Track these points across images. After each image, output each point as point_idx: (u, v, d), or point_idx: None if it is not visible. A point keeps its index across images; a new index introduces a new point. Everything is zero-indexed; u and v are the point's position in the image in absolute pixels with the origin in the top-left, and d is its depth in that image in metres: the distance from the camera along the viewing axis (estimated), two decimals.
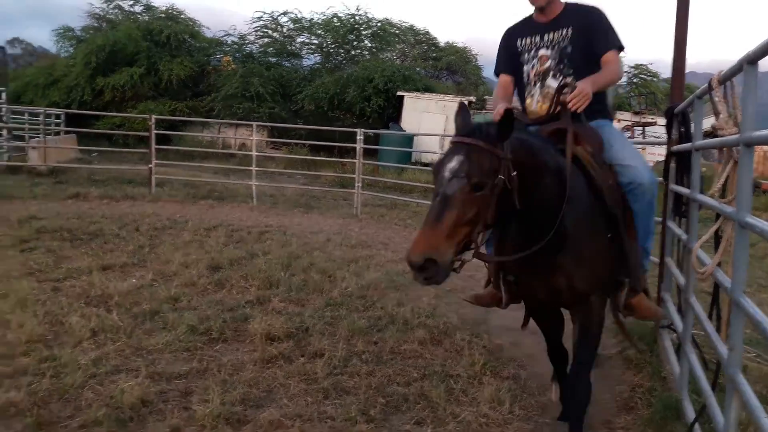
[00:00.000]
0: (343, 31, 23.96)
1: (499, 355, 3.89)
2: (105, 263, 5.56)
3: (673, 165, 4.01)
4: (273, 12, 24.34)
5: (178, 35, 22.62)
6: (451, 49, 27.34)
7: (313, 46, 24.66)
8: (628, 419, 3.12)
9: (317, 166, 14.10)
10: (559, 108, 2.74)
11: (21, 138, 14.08)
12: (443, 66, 26.84)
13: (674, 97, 4.31)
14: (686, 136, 3.75)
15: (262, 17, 24.09)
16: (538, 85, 3.04)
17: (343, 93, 20.75)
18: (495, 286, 2.92)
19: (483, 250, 2.69)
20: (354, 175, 10.53)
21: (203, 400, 3.08)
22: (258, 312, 4.46)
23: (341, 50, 24.64)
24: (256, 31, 24.09)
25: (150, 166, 11.04)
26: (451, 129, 3.73)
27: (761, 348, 3.99)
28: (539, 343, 3.41)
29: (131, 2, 24.59)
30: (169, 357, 3.64)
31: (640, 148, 12.57)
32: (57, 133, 15.70)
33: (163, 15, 24.05)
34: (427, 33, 27.59)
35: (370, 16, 24.42)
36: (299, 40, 24.70)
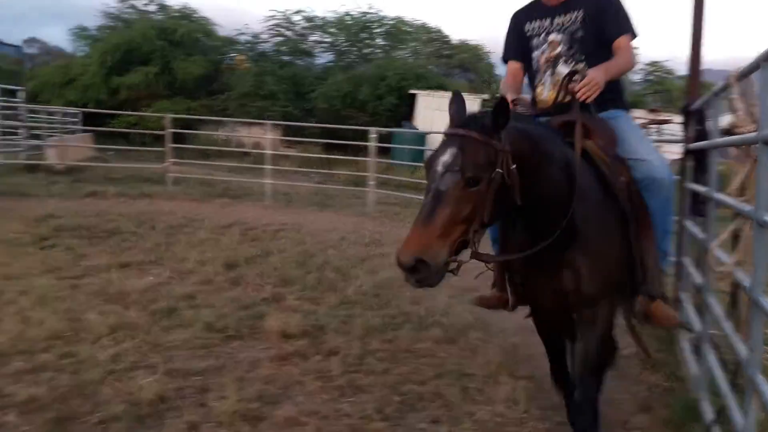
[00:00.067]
0: (355, 30, 23.98)
1: (514, 355, 3.88)
2: (122, 261, 5.63)
3: (690, 163, 3.98)
4: (286, 11, 24.38)
5: (191, 34, 22.74)
6: (464, 46, 27.24)
7: (326, 45, 24.71)
8: (645, 419, 3.11)
9: (331, 165, 14.13)
10: (567, 97, 2.60)
11: (38, 137, 14.26)
12: (456, 64, 26.76)
13: (691, 94, 4.27)
14: (703, 134, 3.72)
15: (275, 16, 24.18)
16: (549, 72, 2.87)
17: (356, 91, 20.77)
18: (501, 287, 2.76)
19: (490, 250, 2.62)
20: (367, 174, 10.56)
21: (220, 397, 3.12)
22: (273, 310, 4.49)
23: (354, 49, 24.66)
24: (270, 29, 24.18)
25: (166, 164, 11.13)
26: None
27: None
28: None
29: (146, 1, 24.77)
30: (186, 354, 3.68)
31: (655, 145, 12.48)
32: (73, 132, 15.87)
33: (177, 14, 24.19)
34: (439, 31, 27.52)
35: (382, 14, 24.43)
36: (312, 38, 24.77)
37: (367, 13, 24.13)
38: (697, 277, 3.45)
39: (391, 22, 24.55)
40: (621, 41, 2.74)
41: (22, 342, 3.64)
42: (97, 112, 16.36)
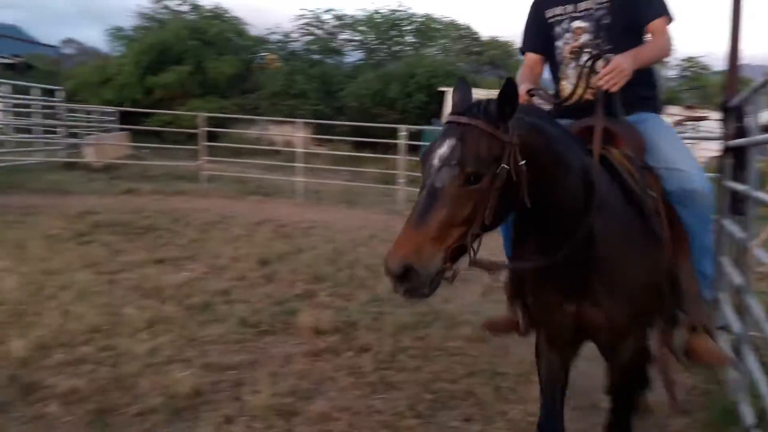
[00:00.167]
0: (385, 27, 24.00)
1: None
2: (158, 257, 5.74)
3: (728, 161, 3.90)
4: (316, 9, 24.56)
5: (223, 33, 23.03)
6: (494, 43, 27.04)
7: (355, 43, 24.79)
8: (683, 423, 3.05)
9: (361, 163, 14.18)
10: (587, 91, 2.30)
11: (76, 135, 14.62)
12: (486, 60, 26.58)
13: (729, 90, 4.18)
14: (742, 131, 3.63)
15: (305, 15, 24.35)
16: (573, 64, 2.54)
17: (385, 89, 20.79)
18: (511, 308, 2.49)
19: (504, 259, 2.34)
20: (397, 172, 10.57)
21: (254, 391, 3.16)
22: (306, 306, 4.54)
23: (383, 46, 24.68)
24: (300, 28, 24.36)
25: (199, 162, 11.31)
26: None
27: None
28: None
29: (179, 2, 25.16)
30: (220, 348, 3.75)
31: (692, 143, 12.22)
32: (110, 131, 16.23)
33: (210, 14, 24.52)
34: (468, 27, 27.37)
35: (411, 11, 24.41)
36: (342, 37, 24.88)
37: (397, 10, 24.14)
38: (736, 277, 3.38)
39: (420, 19, 24.51)
40: (655, 25, 2.42)
41: (62, 335, 3.74)
42: (133, 111, 16.70)
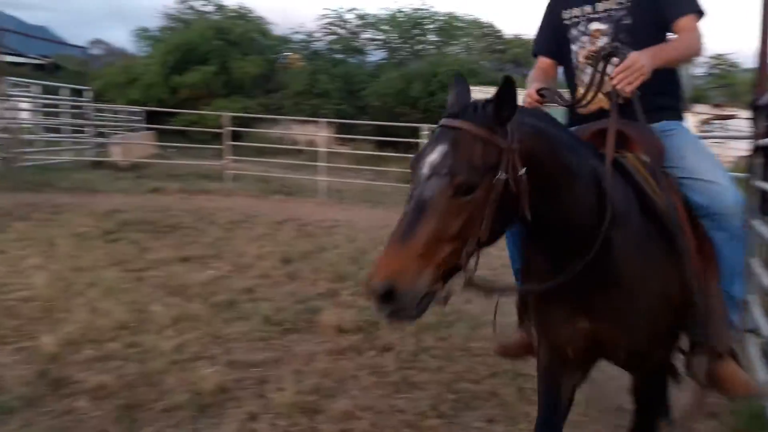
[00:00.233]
0: (407, 26, 24.00)
1: None
2: (184, 255, 5.82)
3: (758, 160, 3.83)
4: (339, 9, 24.64)
5: (247, 33, 23.22)
6: (517, 41, 26.85)
7: (378, 42, 24.83)
8: (711, 426, 3.01)
9: (383, 162, 14.19)
10: (595, 92, 2.06)
11: (103, 135, 14.87)
12: (509, 59, 26.41)
13: (759, 88, 4.10)
14: None
15: (328, 14, 24.45)
16: (589, 69, 2.26)
17: (408, 88, 20.78)
18: (523, 329, 2.33)
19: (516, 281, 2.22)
20: None
21: (278, 389, 3.19)
22: (328, 304, 4.56)
23: (406, 45, 24.68)
24: (323, 28, 24.47)
25: (224, 161, 11.43)
26: None
27: None
28: None
29: (204, 2, 25.43)
30: (245, 346, 3.79)
31: (720, 141, 12.01)
32: (136, 130, 16.48)
33: (234, 14, 24.74)
34: (491, 25, 27.23)
35: (434, 10, 24.37)
36: (365, 36, 24.93)
37: (419, 9, 24.13)
38: (765, 279, 3.32)
39: (442, 17, 24.46)
40: (683, 23, 2.17)
41: (91, 331, 3.81)
42: (159, 110, 16.93)
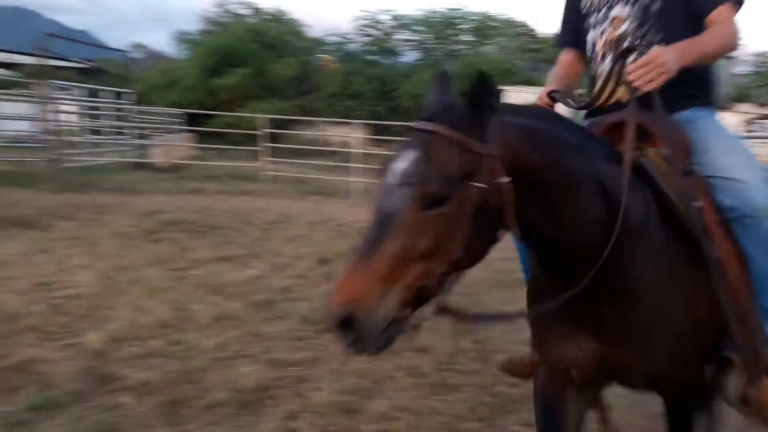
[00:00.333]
0: (441, 27, 23.97)
1: None
2: (223, 254, 5.92)
3: None
4: (374, 11, 24.82)
5: (281, 35, 23.49)
6: (552, 40, 26.54)
7: (413, 43, 24.86)
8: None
9: None
10: (611, 90, 1.89)
11: (144, 137, 15.23)
12: (544, 58, 26.13)
13: None
14: None
15: (363, 16, 24.60)
16: (609, 58, 2.08)
17: None
18: (533, 347, 2.08)
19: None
20: None
21: (316, 388, 3.23)
22: None
23: (440, 46, 24.65)
24: (358, 30, 24.63)
25: (261, 163, 11.58)
26: None
27: None
28: None
29: (241, 5, 25.83)
30: (284, 345, 3.84)
31: (764, 142, 11.66)
32: (175, 132, 16.83)
33: (269, 17, 25.06)
34: (525, 25, 27.01)
35: (468, 10, 24.31)
36: (399, 37, 25.00)
37: (454, 9, 24.08)
38: None
39: (476, 17, 24.36)
40: (718, 13, 1.93)
41: (134, 329, 3.90)
42: (197, 112, 17.26)
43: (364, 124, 15.72)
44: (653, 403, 2.93)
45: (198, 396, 3.12)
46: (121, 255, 5.69)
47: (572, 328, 1.70)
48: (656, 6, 2.01)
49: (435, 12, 24.20)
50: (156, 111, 18.04)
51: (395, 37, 24.99)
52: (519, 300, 4.79)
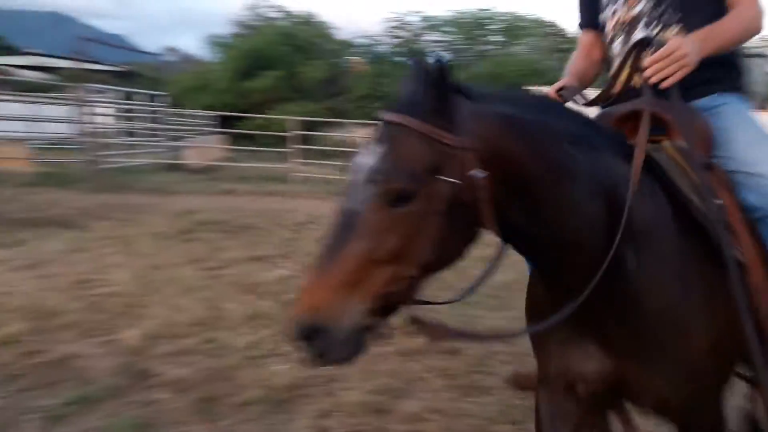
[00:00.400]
0: (470, 27, 23.91)
1: None
2: (255, 254, 5.99)
3: None
4: (403, 12, 24.89)
5: (310, 38, 23.67)
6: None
7: (443, 44, 24.83)
8: None
9: None
10: (625, 80, 1.73)
11: (177, 138, 15.51)
12: None
13: None
14: None
15: (392, 18, 24.67)
16: (620, 39, 1.94)
17: None
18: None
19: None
20: None
21: (346, 388, 3.24)
22: None
23: (470, 47, 24.58)
24: (387, 31, 24.70)
25: (291, 164, 11.68)
26: None
27: None
28: None
29: (271, 9, 26.11)
30: None
31: None
32: (207, 134, 17.10)
33: (299, 19, 25.28)
34: (554, 24, 26.76)
35: (496, 10, 24.21)
36: (428, 38, 24.99)
37: (483, 9, 24.00)
38: None
39: (505, 18, 24.23)
40: None
41: (169, 327, 3.97)
42: (228, 115, 17.49)
43: None
44: None
45: (232, 393, 3.16)
46: (156, 254, 5.80)
47: (577, 338, 1.54)
48: None
49: (464, 13, 24.17)
50: (189, 113, 18.34)
51: (424, 38, 25.01)
52: None
